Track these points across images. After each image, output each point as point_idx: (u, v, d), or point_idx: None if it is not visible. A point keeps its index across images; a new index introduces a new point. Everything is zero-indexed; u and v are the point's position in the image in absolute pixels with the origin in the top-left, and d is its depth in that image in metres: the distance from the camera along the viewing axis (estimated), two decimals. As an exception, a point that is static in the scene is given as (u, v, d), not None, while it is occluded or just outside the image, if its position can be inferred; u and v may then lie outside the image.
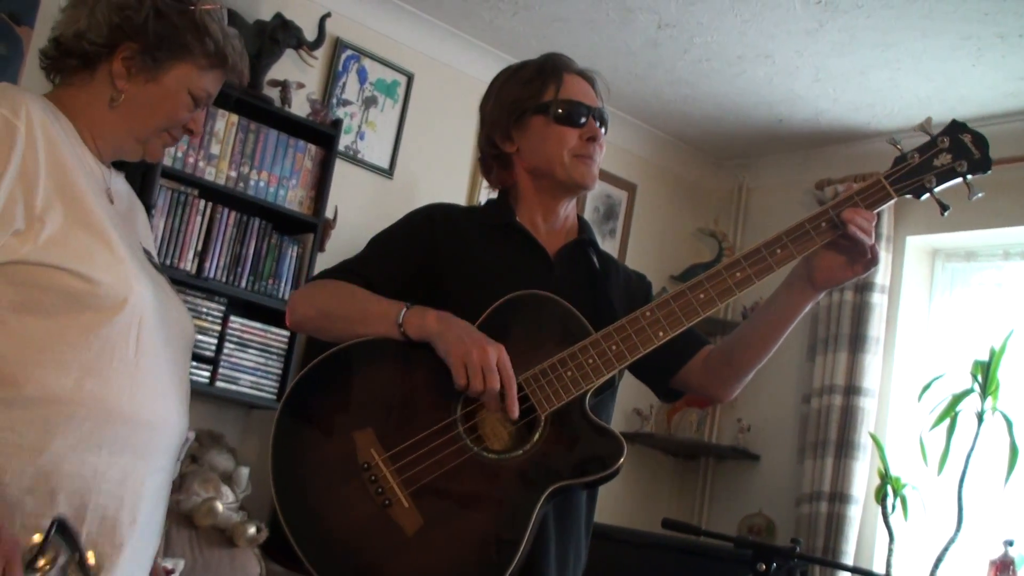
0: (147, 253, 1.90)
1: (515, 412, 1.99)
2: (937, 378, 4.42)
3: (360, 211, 4.61)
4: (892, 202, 2.09)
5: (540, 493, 1.98)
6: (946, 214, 2.08)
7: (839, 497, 4.80)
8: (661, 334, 2.08)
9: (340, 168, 4.55)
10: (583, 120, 2.26)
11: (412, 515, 1.95)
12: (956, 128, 2.10)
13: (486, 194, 2.52)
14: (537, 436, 2.01)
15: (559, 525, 2.11)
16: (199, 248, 4.11)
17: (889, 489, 4.40)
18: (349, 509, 1.96)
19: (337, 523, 1.96)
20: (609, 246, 5.42)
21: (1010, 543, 4.41)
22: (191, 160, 4.13)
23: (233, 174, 4.24)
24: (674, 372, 2.32)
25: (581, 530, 2.20)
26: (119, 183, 1.94)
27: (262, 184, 4.30)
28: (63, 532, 1.57)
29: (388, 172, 4.83)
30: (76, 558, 1.57)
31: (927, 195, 2.09)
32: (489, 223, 2.29)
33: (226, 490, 3.94)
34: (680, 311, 2.08)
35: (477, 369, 1.96)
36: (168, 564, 3.60)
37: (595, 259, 2.34)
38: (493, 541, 1.96)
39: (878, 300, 4.97)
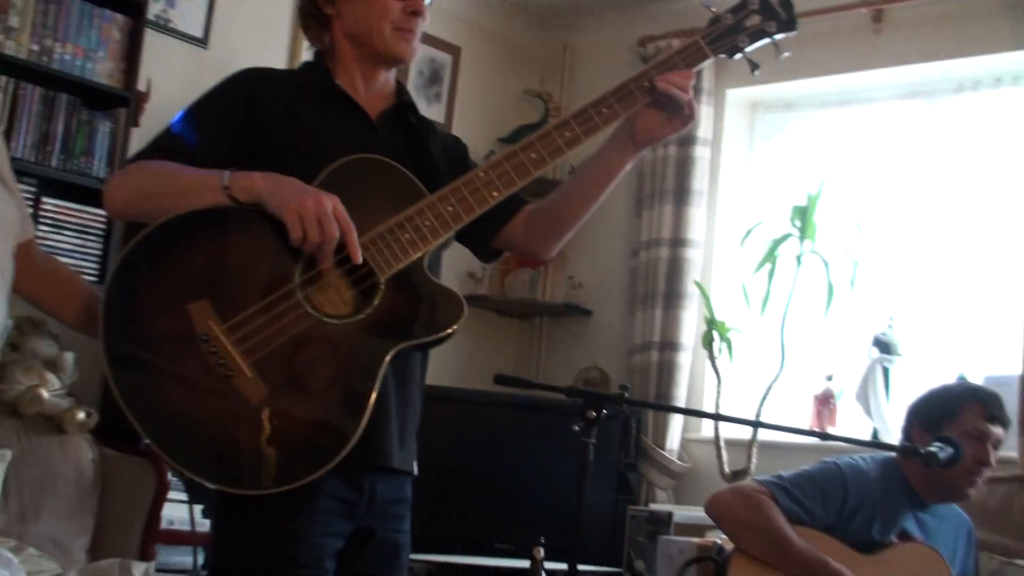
0: None
1: (358, 256, 1.97)
2: (757, 225, 4.56)
3: (175, 83, 4.43)
4: (709, 61, 2.17)
5: (383, 355, 1.99)
6: (756, 73, 2.18)
7: (669, 345, 4.96)
8: (495, 194, 2.10)
9: (151, 39, 4.37)
10: None
11: (255, 384, 1.93)
12: None
13: (308, 63, 2.44)
14: (378, 300, 2.01)
15: (399, 389, 2.12)
16: (4, 127, 3.91)
17: (715, 334, 4.55)
18: (190, 383, 1.93)
19: (179, 398, 1.93)
20: (435, 110, 5.37)
21: (830, 378, 4.65)
22: (-12, 35, 3.90)
23: (35, 47, 4.02)
24: (496, 232, 2.33)
25: (417, 393, 2.22)
26: None
27: (67, 57, 4.10)
28: None
29: (202, 42, 4.66)
30: None
31: (739, 55, 2.17)
32: (308, 87, 2.23)
33: (51, 377, 3.83)
34: (513, 171, 2.10)
35: (313, 219, 1.93)
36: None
37: (415, 122, 2.32)
38: (338, 406, 1.97)
39: (701, 153, 5.07)
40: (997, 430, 3.09)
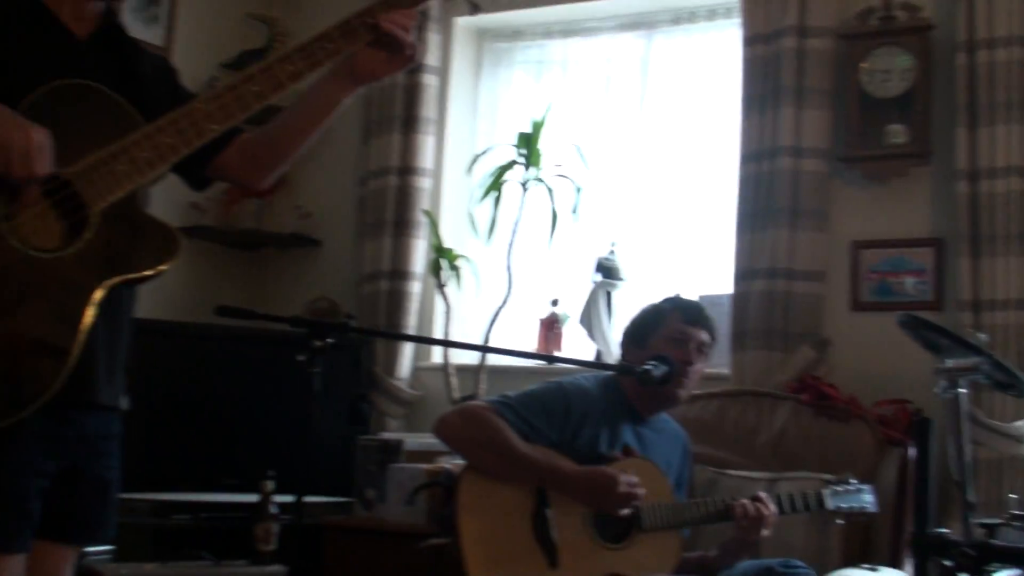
0: None
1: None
2: (484, 152, 4.61)
3: None
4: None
5: (92, 291, 1.92)
6: (477, 15, 2.21)
7: (398, 274, 4.95)
8: (215, 127, 2.07)
9: None
10: None
11: (-45, 323, 1.82)
12: None
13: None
14: (89, 233, 1.93)
15: (107, 324, 2.04)
16: None
17: (443, 262, 4.60)
18: None
19: None
20: (154, 33, 5.12)
21: (555, 302, 4.77)
22: None
23: None
24: (209, 160, 2.28)
25: (126, 327, 2.16)
26: None
27: None
28: None
29: None
30: None
31: None
32: (8, 3, 2.09)
33: None
34: (234, 103, 2.07)
35: (19, 153, 1.83)
36: None
37: (125, 45, 2.22)
38: (44, 343, 1.89)
39: (429, 81, 5.05)
40: (700, 333, 3.27)
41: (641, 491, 2.98)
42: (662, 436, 3.35)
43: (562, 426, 3.10)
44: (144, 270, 2.00)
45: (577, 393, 3.18)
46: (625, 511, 2.98)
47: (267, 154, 2.30)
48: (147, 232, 2.01)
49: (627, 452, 3.18)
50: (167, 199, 2.22)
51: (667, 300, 3.40)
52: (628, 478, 2.99)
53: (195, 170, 2.29)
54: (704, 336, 3.27)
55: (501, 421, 3.03)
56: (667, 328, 3.26)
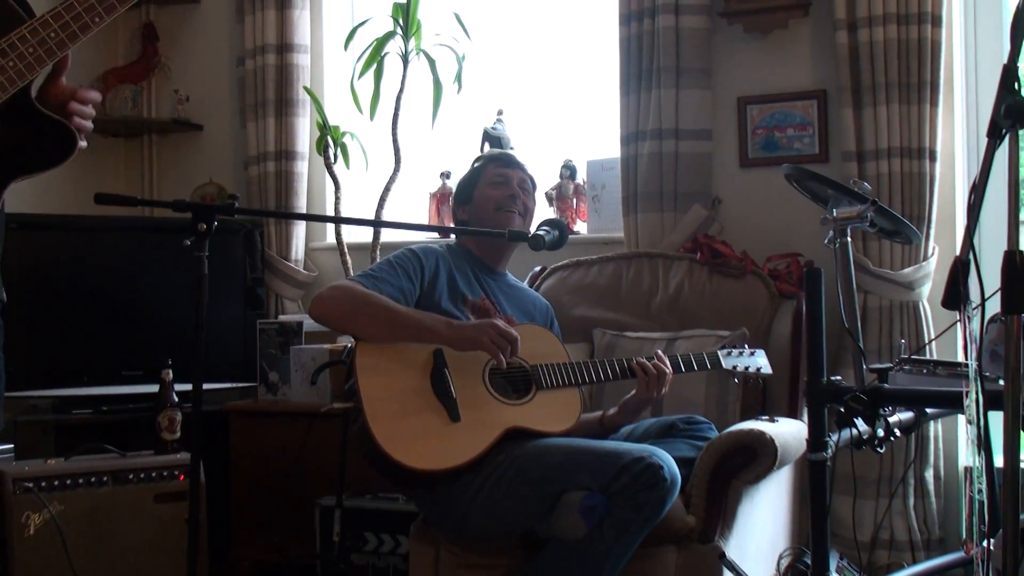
0: None
1: None
2: (361, 25, 4.50)
3: None
4: None
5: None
6: None
7: (285, 155, 4.87)
8: (98, 20, 1.99)
9: None
10: None
11: None
12: None
13: None
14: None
15: None
16: None
17: (329, 140, 4.52)
18: None
19: None
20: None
21: (447, 175, 4.74)
22: None
23: None
24: None
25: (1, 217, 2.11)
26: None
27: None
28: None
29: None
30: None
31: None
32: None
33: None
34: None
35: None
36: None
37: None
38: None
39: (300, -48, 4.91)
40: (517, 173, 3.41)
41: (514, 333, 3.00)
42: (520, 293, 3.46)
43: (420, 278, 3.21)
44: (40, 169, 1.95)
45: (425, 250, 3.30)
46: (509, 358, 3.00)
47: None
48: (44, 129, 1.95)
49: (507, 321, 3.22)
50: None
51: (479, 158, 3.54)
52: (502, 325, 3.01)
53: None
54: (524, 175, 3.43)
55: (369, 289, 3.05)
56: (486, 176, 3.42)
